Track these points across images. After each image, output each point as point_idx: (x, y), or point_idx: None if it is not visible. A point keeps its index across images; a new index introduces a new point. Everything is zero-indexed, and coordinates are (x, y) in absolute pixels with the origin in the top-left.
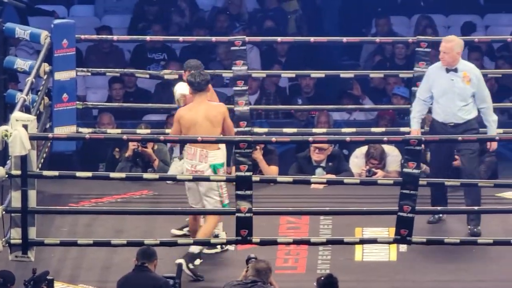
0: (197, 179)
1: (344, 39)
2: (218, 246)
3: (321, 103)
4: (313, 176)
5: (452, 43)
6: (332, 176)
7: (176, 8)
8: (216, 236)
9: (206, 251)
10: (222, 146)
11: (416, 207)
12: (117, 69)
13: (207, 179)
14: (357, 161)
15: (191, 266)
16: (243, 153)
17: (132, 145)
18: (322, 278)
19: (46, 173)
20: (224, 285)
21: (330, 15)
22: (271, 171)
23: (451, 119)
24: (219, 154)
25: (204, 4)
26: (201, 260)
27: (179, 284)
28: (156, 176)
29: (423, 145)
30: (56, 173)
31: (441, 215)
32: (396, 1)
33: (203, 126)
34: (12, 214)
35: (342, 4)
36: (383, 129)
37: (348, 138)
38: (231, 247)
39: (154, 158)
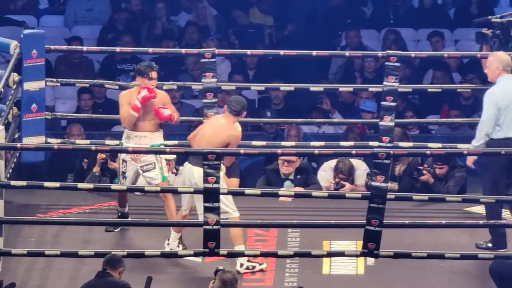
0: (164, 191)
1: (314, 52)
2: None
3: (291, 116)
4: (281, 189)
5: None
6: (300, 189)
7: (150, 21)
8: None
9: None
10: None
11: (384, 221)
12: (86, 80)
13: (175, 191)
14: (325, 174)
15: None
16: (212, 165)
17: (99, 159)
18: None
19: (14, 183)
20: None
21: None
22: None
23: None
24: None
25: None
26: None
27: None
28: (124, 187)
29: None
30: (24, 183)
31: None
32: (366, 15)
33: None
34: None
35: (309, 17)
36: (351, 143)
37: (316, 151)
38: (197, 259)
39: None
